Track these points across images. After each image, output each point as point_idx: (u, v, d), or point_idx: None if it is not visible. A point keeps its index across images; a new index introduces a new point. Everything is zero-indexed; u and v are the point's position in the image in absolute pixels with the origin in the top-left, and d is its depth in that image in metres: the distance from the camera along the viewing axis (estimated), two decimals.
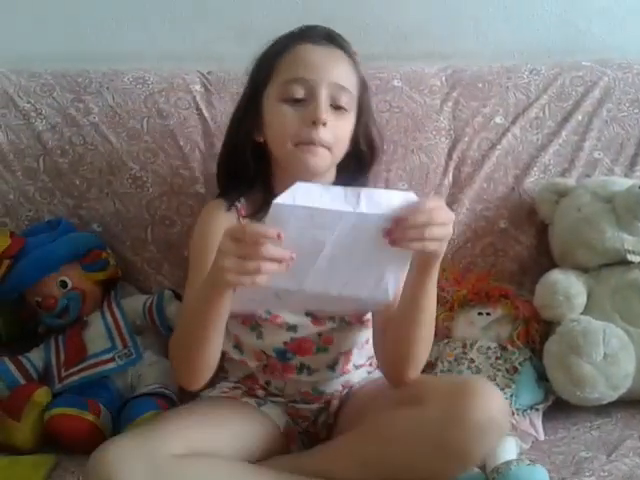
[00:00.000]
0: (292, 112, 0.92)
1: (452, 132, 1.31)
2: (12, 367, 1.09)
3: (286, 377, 0.95)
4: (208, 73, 1.32)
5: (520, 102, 1.32)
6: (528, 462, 0.87)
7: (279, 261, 0.72)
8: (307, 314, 0.95)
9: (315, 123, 0.90)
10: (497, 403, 0.80)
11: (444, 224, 0.77)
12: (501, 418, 0.81)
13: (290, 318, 0.94)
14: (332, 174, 1.00)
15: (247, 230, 0.72)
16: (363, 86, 0.99)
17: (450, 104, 1.32)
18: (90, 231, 1.23)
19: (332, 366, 0.96)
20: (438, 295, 1.17)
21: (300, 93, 0.92)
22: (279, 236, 0.70)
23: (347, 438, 0.87)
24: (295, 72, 0.92)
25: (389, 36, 1.40)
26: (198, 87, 1.30)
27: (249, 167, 0.97)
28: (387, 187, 1.24)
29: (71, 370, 1.09)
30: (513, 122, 1.31)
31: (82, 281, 1.13)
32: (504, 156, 1.30)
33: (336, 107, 0.93)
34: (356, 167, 1.01)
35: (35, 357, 1.12)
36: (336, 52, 0.96)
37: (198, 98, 1.29)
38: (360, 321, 0.96)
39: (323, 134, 0.91)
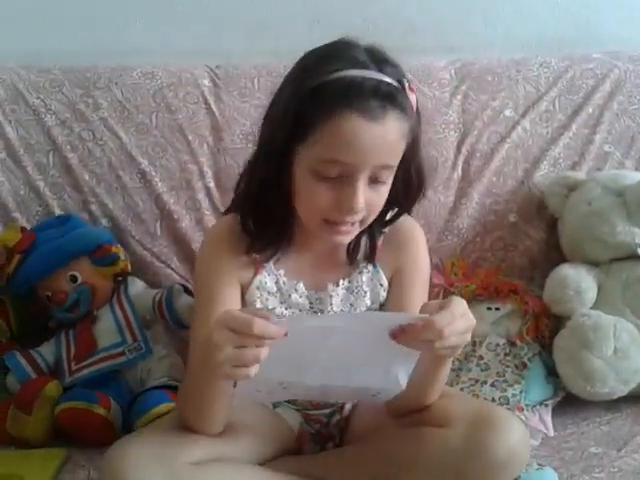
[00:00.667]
0: (325, 191, 0.79)
1: (461, 125, 1.30)
2: (23, 361, 1.10)
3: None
4: (216, 67, 1.32)
5: (530, 95, 1.31)
6: (537, 466, 0.86)
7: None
8: None
9: (349, 212, 0.80)
10: (518, 435, 0.79)
11: (458, 334, 0.70)
12: (521, 450, 0.79)
13: None
14: None
15: (255, 327, 0.66)
16: (414, 130, 0.81)
17: (459, 97, 1.31)
18: (99, 226, 1.24)
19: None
20: (446, 291, 1.19)
21: (335, 172, 0.78)
22: (285, 334, 0.66)
23: (363, 450, 0.86)
24: (335, 153, 0.77)
25: (397, 29, 1.39)
26: (206, 82, 1.30)
27: (277, 211, 0.85)
28: None
29: (81, 364, 1.09)
30: (523, 115, 1.31)
31: (92, 276, 1.14)
32: (514, 150, 1.29)
33: (374, 180, 0.80)
34: (388, 211, 0.89)
35: (46, 351, 1.13)
36: (390, 120, 0.77)
37: (206, 93, 1.29)
38: None
39: (357, 217, 0.82)
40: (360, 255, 0.89)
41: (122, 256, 1.18)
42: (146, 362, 1.11)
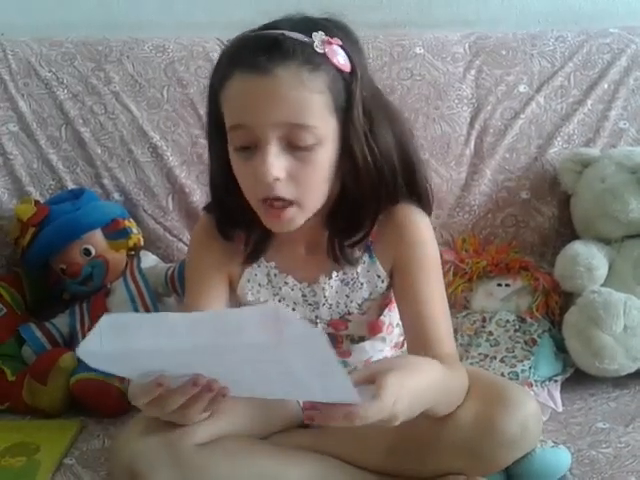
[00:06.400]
0: (244, 164, 0.75)
1: (475, 101, 1.29)
2: (38, 333, 1.12)
3: None
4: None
5: (545, 70, 1.30)
6: (552, 444, 0.85)
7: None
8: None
9: (262, 181, 0.73)
10: (529, 412, 0.77)
11: (378, 422, 0.64)
12: (533, 426, 0.78)
13: None
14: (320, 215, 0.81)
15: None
16: (337, 87, 0.74)
17: (473, 72, 1.29)
18: (112, 200, 1.24)
19: (351, 371, 0.89)
20: (457, 267, 1.19)
21: (244, 141, 0.74)
22: (159, 384, 0.61)
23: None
24: (233, 117, 0.75)
25: (411, 2, 1.37)
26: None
27: (239, 204, 0.80)
28: None
29: None
30: (537, 91, 1.29)
31: (105, 249, 1.15)
32: (527, 125, 1.28)
33: (295, 147, 0.73)
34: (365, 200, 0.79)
35: (60, 323, 1.15)
36: (285, 73, 0.71)
37: None
38: (377, 331, 0.90)
39: (280, 190, 0.74)
40: (344, 251, 0.82)
41: (135, 230, 1.19)
42: None
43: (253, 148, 0.74)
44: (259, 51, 0.73)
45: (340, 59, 0.75)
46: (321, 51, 0.74)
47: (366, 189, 0.79)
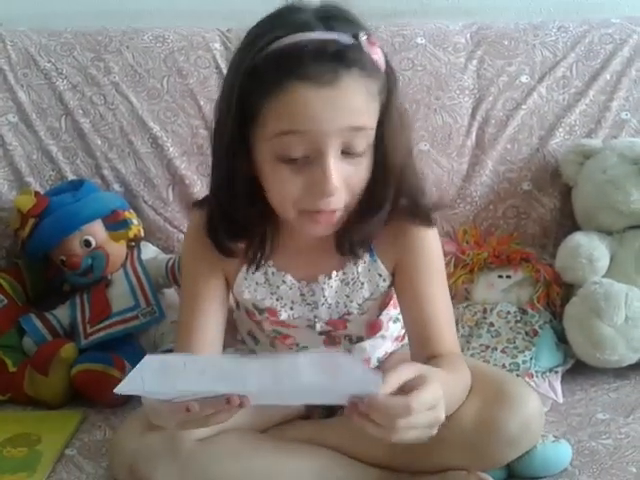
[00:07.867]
0: (292, 175, 0.71)
1: (476, 91, 1.28)
2: (39, 324, 1.12)
3: None
4: (228, 31, 1.30)
5: (547, 60, 1.29)
6: (553, 438, 0.85)
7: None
8: (320, 333, 0.88)
9: (323, 196, 0.71)
10: (531, 410, 0.77)
11: (419, 427, 0.62)
12: (535, 425, 0.78)
13: (301, 339, 0.88)
14: None
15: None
16: (383, 89, 0.73)
17: (475, 62, 1.29)
18: (112, 191, 1.24)
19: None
20: (458, 258, 1.19)
21: (299, 151, 0.70)
22: (188, 409, 0.61)
23: None
24: (292, 123, 0.69)
25: None
26: (218, 45, 1.29)
27: (249, 213, 0.77)
28: None
29: (96, 327, 1.11)
30: (539, 81, 1.28)
31: (106, 240, 1.15)
32: (529, 116, 1.27)
33: (348, 151, 0.71)
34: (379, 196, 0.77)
35: (61, 314, 1.15)
36: (346, 82, 0.69)
37: (218, 56, 1.28)
38: (377, 330, 0.90)
39: (334, 202, 0.72)
40: (353, 246, 0.81)
41: (135, 221, 1.19)
42: (159, 326, 1.13)
43: (304, 159, 0.71)
44: (320, 62, 0.68)
45: (381, 60, 0.73)
46: (370, 54, 0.71)
47: (389, 187, 0.76)
